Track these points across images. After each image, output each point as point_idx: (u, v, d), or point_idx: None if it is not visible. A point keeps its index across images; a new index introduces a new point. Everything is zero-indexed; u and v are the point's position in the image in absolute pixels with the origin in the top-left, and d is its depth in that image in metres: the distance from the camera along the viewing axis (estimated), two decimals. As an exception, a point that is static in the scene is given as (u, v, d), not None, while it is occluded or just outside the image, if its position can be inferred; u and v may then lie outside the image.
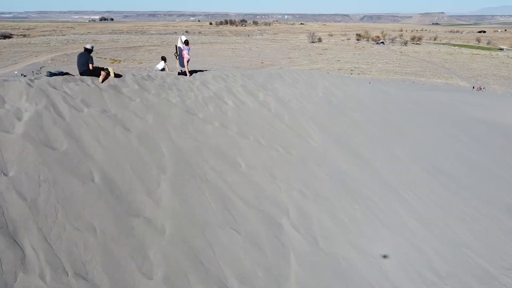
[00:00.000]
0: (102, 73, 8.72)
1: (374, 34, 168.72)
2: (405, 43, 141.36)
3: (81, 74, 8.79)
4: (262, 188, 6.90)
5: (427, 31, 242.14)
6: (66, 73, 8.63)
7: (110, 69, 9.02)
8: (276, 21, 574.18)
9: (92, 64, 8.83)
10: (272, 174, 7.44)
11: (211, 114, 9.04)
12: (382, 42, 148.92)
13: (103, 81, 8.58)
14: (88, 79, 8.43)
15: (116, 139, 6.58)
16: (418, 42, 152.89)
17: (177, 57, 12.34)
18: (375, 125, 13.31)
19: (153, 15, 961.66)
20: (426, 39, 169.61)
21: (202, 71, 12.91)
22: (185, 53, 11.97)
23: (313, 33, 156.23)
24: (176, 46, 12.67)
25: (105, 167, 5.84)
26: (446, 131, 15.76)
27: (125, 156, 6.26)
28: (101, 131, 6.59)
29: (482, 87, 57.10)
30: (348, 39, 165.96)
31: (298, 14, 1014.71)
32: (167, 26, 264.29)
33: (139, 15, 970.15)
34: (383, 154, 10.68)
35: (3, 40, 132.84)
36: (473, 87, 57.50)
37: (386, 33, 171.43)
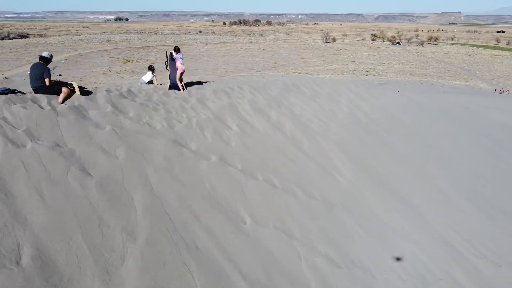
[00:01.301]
0: (64, 89, 6.74)
1: (389, 34, 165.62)
2: (422, 44, 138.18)
3: (35, 91, 6.79)
4: (274, 257, 4.89)
5: (444, 31, 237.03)
6: (13, 91, 6.66)
7: (75, 84, 7.11)
8: (290, 21, 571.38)
9: (49, 78, 6.90)
10: (288, 232, 5.42)
11: (207, 144, 7.00)
12: (398, 43, 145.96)
13: (64, 100, 6.63)
14: (43, 98, 6.46)
15: (68, 190, 4.62)
16: (435, 43, 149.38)
17: (168, 67, 10.44)
18: (414, 149, 10.73)
19: (167, 15, 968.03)
20: (443, 39, 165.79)
21: (201, 83, 11.02)
22: (178, 63, 10.12)
23: (327, 33, 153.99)
24: (166, 53, 10.72)
25: (42, 239, 3.90)
26: (482, 145, 13.99)
27: (76, 217, 4.30)
28: (46, 178, 4.66)
29: (504, 90, 54.79)
30: (363, 39, 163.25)
31: (312, 14, 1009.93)
32: (180, 26, 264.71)
33: (153, 15, 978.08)
34: (431, 194, 8.31)
35: (20, 39, 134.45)
36: (495, 90, 55.19)
37: (402, 33, 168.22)
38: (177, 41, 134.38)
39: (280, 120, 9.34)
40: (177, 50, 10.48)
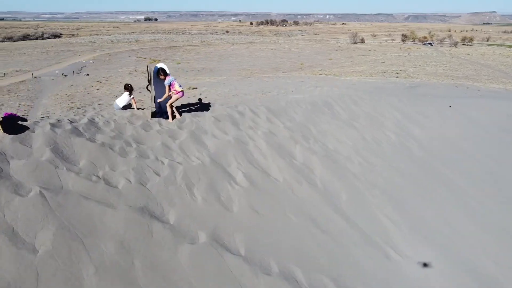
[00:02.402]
0: None
1: (420, 34, 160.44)
2: (455, 44, 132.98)
3: None
4: None
5: (478, 31, 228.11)
6: None
7: None
8: (317, 21, 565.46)
9: None
10: None
11: (195, 211, 4.59)
12: (430, 43, 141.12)
13: None
14: None
15: None
16: (469, 43, 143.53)
17: (149, 87, 8.09)
18: (494, 202, 7.11)
19: (195, 15, 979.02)
20: (478, 40, 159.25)
21: (204, 105, 8.11)
22: (176, 86, 7.70)
23: (356, 33, 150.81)
24: (148, 68, 8.15)
25: None
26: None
27: None
28: None
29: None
30: (392, 39, 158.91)
31: (340, 14, 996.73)
32: (208, 26, 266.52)
33: (182, 15, 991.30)
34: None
35: (53, 39, 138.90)
36: (537, 94, 51.83)
37: (434, 34, 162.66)
38: (204, 41, 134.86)
39: (308, 161, 6.72)
40: (162, 72, 7.76)
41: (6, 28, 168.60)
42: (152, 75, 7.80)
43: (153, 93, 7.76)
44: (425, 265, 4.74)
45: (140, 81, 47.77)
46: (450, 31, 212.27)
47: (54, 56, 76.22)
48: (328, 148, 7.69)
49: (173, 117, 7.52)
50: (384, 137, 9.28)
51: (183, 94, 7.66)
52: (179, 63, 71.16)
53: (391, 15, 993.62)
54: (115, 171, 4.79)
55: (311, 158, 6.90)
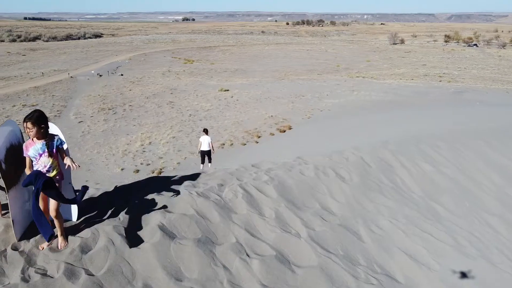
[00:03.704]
0: None
1: (464, 35, 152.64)
2: (504, 46, 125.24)
3: None
4: None
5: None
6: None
7: None
8: (355, 21, 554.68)
9: None
10: None
11: None
12: (475, 45, 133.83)
13: None
14: None
15: None
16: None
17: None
18: None
19: (232, 15, 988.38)
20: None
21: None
22: (68, 161, 3.11)
23: (395, 34, 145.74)
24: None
25: None
26: None
27: None
28: None
29: None
30: (434, 40, 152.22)
31: (378, 14, 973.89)
32: (244, 26, 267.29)
33: (218, 15, 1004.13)
34: None
35: (93, 39, 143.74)
36: None
37: (479, 34, 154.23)
38: (239, 41, 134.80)
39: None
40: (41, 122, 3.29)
41: (51, 28, 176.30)
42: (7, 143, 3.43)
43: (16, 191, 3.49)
44: None
45: (172, 82, 47.65)
46: (497, 31, 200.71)
47: (92, 56, 78.12)
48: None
49: (63, 243, 3.44)
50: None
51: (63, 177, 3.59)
52: (213, 64, 70.87)
53: (432, 14, 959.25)
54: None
55: None
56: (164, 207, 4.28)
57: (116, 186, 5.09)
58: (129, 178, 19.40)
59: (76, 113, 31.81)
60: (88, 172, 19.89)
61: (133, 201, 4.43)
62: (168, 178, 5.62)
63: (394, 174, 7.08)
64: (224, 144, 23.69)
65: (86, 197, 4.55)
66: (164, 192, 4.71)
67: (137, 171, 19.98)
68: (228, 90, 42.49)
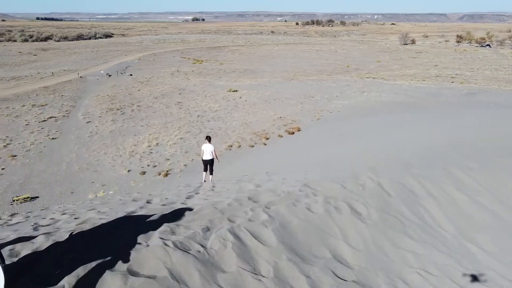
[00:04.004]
0: None
1: (477, 35, 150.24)
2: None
3: None
4: None
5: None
6: None
7: None
8: (365, 21, 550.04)
9: None
10: None
11: None
12: (488, 45, 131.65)
13: None
14: None
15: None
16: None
17: None
18: None
19: (241, 15, 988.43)
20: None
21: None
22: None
23: (406, 34, 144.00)
24: None
25: None
26: None
27: None
28: None
29: None
30: (446, 41, 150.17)
31: (389, 14, 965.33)
32: (253, 26, 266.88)
33: (228, 15, 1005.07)
34: None
35: (104, 39, 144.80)
36: None
37: (492, 34, 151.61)
38: (248, 41, 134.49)
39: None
40: None
41: (63, 28, 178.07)
42: None
43: None
44: None
45: (181, 82, 47.53)
46: (510, 31, 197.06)
47: (102, 56, 78.55)
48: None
49: None
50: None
51: None
52: (222, 64, 70.70)
53: (444, 14, 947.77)
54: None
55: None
56: (129, 266, 3.44)
57: (71, 233, 4.11)
58: (135, 179, 19.27)
59: (85, 113, 31.82)
60: (95, 173, 19.77)
61: (89, 255, 3.51)
62: (144, 217, 4.91)
63: (419, 205, 6.16)
64: (231, 146, 23.41)
65: (28, 251, 3.53)
66: (132, 241, 3.93)
67: (144, 172, 19.80)
68: (236, 91, 42.23)
